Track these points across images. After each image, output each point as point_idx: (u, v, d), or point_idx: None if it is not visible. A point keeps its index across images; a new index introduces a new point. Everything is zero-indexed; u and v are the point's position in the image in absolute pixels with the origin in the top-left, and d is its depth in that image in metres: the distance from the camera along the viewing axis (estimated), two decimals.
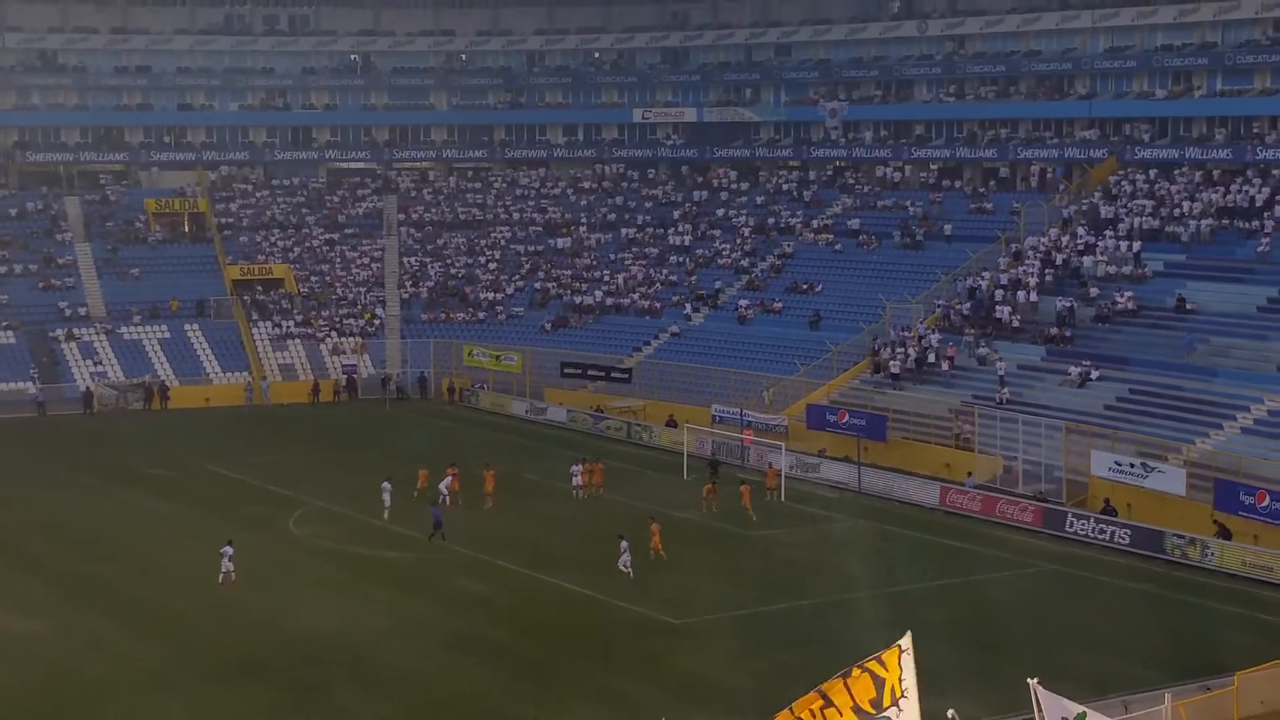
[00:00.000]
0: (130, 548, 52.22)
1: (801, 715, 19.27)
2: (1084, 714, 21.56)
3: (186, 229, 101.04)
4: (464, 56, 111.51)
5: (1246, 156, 78.51)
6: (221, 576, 46.25)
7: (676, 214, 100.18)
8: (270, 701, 36.56)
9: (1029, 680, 21.48)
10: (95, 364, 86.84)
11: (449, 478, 57.21)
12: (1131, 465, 55.54)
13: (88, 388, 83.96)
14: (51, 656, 39.99)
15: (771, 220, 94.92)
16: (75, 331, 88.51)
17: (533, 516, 56.15)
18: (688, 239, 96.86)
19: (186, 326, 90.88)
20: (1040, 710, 21.41)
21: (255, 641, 41.04)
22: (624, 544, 47.49)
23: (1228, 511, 51.11)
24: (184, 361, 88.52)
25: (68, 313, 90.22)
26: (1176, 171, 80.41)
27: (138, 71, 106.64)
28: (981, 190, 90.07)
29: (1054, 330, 70.17)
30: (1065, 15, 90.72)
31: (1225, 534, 50.28)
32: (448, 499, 55.85)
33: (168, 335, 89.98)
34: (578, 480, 59.45)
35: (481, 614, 44.21)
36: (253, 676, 38.15)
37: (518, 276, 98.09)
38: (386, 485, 56.17)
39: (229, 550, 46.58)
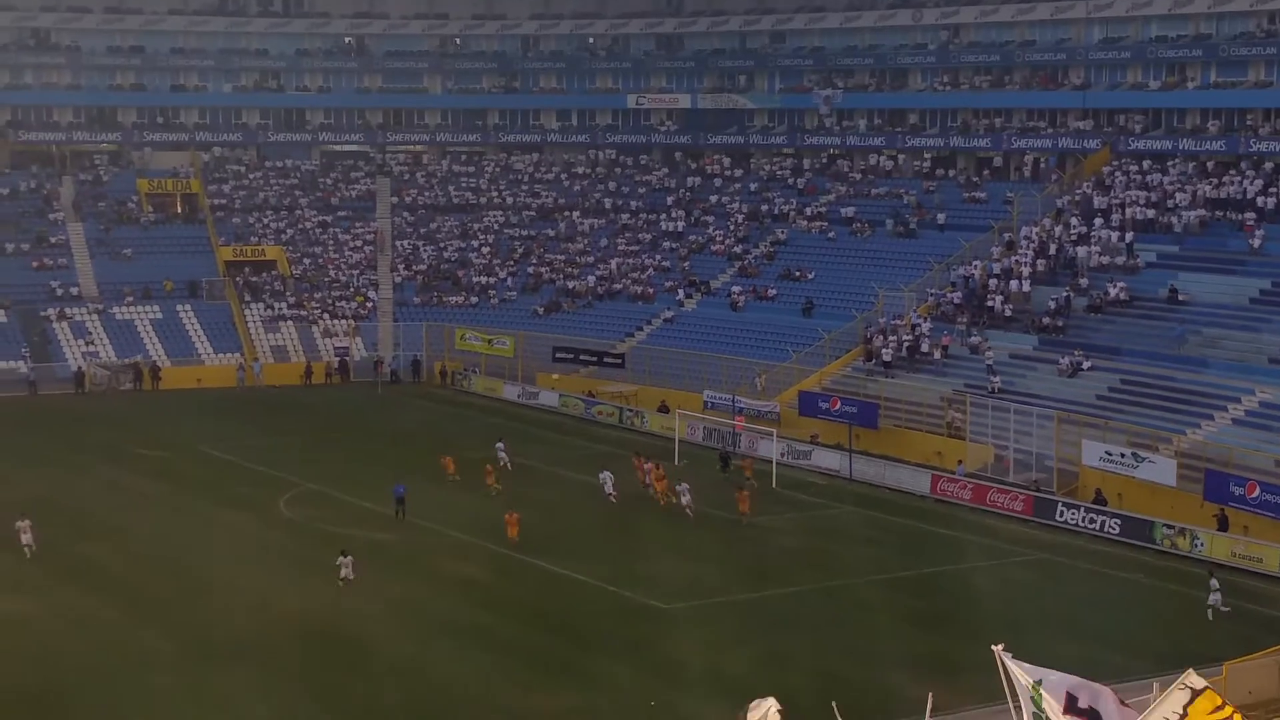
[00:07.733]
0: (120, 527, 52.21)
1: None
2: (1040, 682, 21.44)
3: (179, 210, 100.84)
4: (458, 40, 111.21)
5: (1240, 149, 78.47)
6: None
7: (670, 200, 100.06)
8: (259, 683, 36.57)
9: (994, 647, 21.38)
10: (87, 344, 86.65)
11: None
12: (1122, 455, 55.57)
13: (79, 367, 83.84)
14: (39, 636, 40.00)
15: (765, 207, 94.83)
16: (67, 311, 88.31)
17: (523, 501, 56.06)
18: (681, 225, 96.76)
19: (179, 307, 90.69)
20: (1008, 677, 21.34)
21: (245, 623, 41.05)
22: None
23: (1218, 502, 51.20)
24: (176, 342, 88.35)
25: (59, 292, 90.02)
26: (1170, 163, 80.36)
27: (131, 51, 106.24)
28: (975, 179, 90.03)
29: (1046, 320, 70.18)
30: (1060, 5, 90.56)
31: (1223, 525, 50.35)
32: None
33: (160, 316, 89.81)
34: (649, 480, 57.42)
35: (471, 597, 44.23)
36: (242, 658, 38.16)
37: (511, 261, 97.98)
38: (607, 474, 56.66)
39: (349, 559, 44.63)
